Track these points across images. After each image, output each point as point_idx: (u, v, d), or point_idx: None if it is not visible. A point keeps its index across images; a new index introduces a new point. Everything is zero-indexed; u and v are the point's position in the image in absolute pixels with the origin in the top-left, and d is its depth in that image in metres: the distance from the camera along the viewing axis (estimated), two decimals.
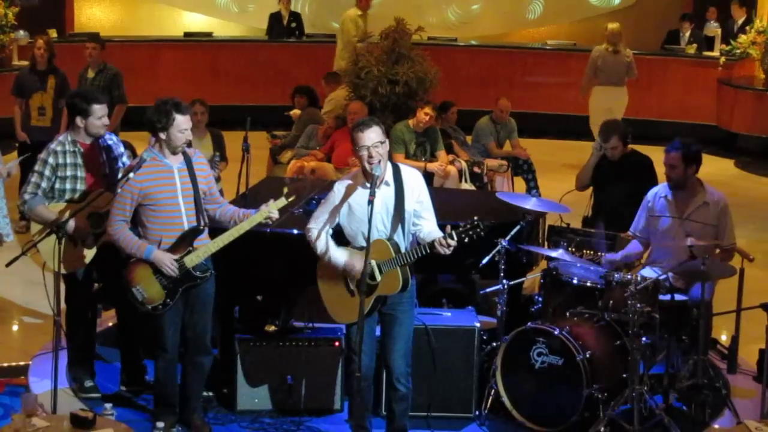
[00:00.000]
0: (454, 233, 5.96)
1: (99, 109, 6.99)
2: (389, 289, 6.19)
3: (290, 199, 6.46)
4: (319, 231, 6.31)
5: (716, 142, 15.67)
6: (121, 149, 7.24)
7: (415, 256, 6.14)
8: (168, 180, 6.47)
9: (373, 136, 6.10)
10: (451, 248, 6.00)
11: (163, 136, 6.44)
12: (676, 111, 16.62)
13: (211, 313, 6.74)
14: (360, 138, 6.11)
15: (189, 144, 6.59)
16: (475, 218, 5.97)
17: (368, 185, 6.16)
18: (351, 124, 10.25)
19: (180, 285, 6.49)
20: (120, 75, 11.72)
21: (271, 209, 6.45)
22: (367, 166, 6.12)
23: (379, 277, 6.15)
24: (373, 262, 6.10)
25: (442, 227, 6.13)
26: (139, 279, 6.48)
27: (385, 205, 6.17)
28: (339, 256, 6.27)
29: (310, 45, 17.51)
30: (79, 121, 7.01)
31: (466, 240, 5.98)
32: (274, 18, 17.66)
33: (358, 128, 6.14)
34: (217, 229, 6.65)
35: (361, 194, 6.22)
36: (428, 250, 6.06)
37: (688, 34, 17.21)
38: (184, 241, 6.47)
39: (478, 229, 5.96)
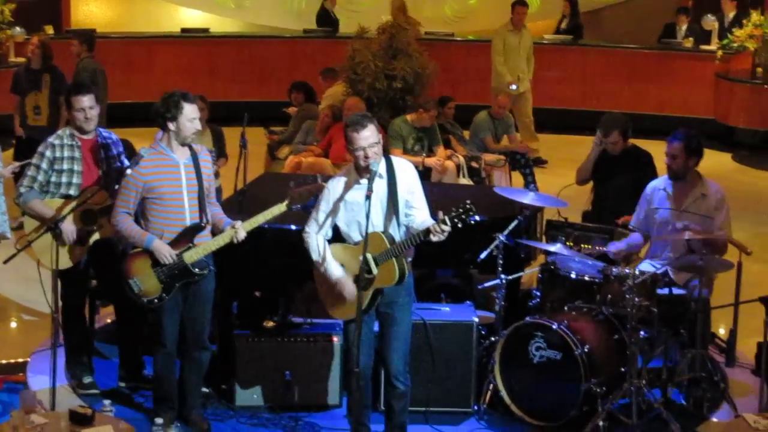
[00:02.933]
0: (447, 218, 5.94)
1: (78, 101, 6.93)
2: (386, 281, 6.18)
3: (287, 204, 6.47)
4: (316, 236, 6.31)
5: (714, 135, 15.62)
6: (120, 148, 7.23)
7: (410, 245, 6.14)
8: (173, 175, 6.48)
9: (368, 135, 6.08)
10: (445, 234, 5.97)
11: (172, 127, 6.45)
12: (673, 105, 16.59)
13: (210, 309, 6.75)
14: (356, 138, 6.09)
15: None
16: (467, 202, 5.95)
17: (361, 182, 6.16)
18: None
19: (177, 280, 6.49)
20: (90, 71, 11.51)
21: (238, 231, 6.46)
22: (363, 164, 6.12)
23: (375, 270, 6.14)
24: (369, 256, 6.10)
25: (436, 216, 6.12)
26: (136, 271, 6.48)
27: (378, 198, 6.17)
28: (333, 270, 6.26)
29: (307, 40, 17.47)
30: (67, 113, 7.03)
31: (460, 225, 5.96)
32: (325, 16, 17.54)
33: (352, 128, 6.11)
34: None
35: (355, 190, 6.22)
36: (422, 238, 6.04)
37: (684, 27, 17.19)
38: (185, 237, 6.48)
39: (471, 213, 5.94)
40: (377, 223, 6.20)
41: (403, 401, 6.42)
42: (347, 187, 6.25)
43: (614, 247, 7.55)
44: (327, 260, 6.27)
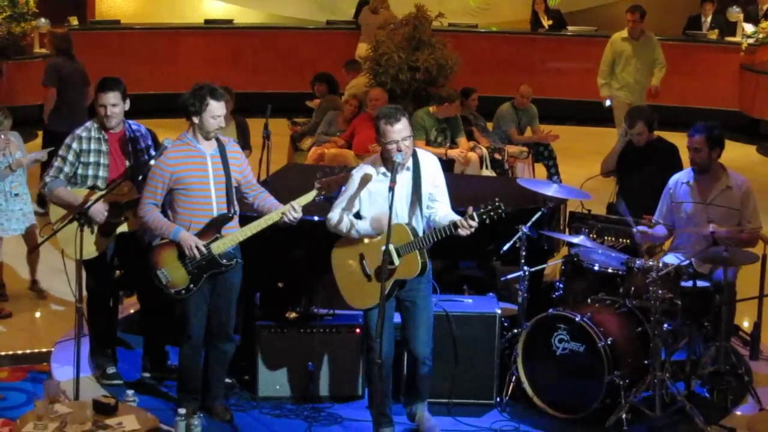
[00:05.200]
0: (475, 214, 5.97)
1: (101, 97, 6.98)
2: (408, 273, 6.20)
3: (320, 193, 6.47)
4: (340, 215, 6.32)
5: (738, 128, 15.56)
6: (149, 140, 7.22)
7: (436, 239, 6.15)
8: (200, 166, 6.49)
9: (401, 128, 6.11)
10: (473, 229, 6.00)
11: (196, 120, 6.46)
12: (698, 97, 16.52)
13: (236, 301, 6.76)
14: (389, 131, 6.10)
15: None
16: (497, 200, 5.98)
17: (387, 173, 6.17)
18: (372, 111, 10.25)
19: (205, 271, 6.50)
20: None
21: (292, 207, 6.44)
22: (393, 156, 6.12)
23: (397, 261, 6.16)
24: (392, 246, 6.10)
25: (462, 212, 6.12)
26: (164, 262, 6.50)
27: (404, 190, 6.19)
28: (363, 223, 6.29)
29: (330, 32, 17.48)
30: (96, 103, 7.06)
31: (487, 221, 5.98)
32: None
33: (386, 120, 6.12)
34: (246, 217, 6.66)
35: (380, 181, 6.23)
36: (449, 232, 6.07)
37: (709, 19, 17.09)
38: (213, 228, 6.49)
39: (500, 211, 5.96)
40: (401, 215, 6.21)
41: (428, 381, 6.57)
42: (371, 178, 6.27)
43: (642, 228, 7.50)
44: (356, 224, 6.29)
